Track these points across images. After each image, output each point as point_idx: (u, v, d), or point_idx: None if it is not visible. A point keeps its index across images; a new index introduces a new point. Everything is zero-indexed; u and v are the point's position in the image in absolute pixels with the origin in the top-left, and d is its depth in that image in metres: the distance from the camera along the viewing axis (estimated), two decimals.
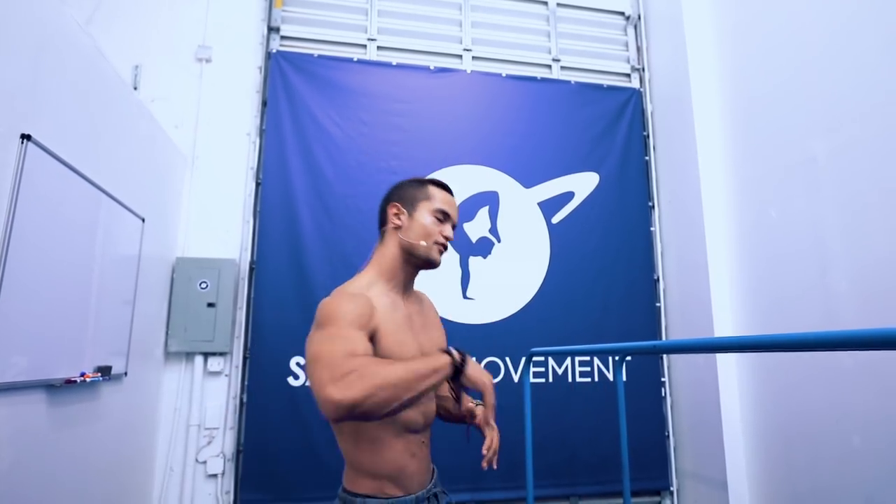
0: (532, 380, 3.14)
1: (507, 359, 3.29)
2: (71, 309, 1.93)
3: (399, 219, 1.27)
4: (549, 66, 3.85)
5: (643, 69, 3.95)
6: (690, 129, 3.41)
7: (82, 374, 1.92)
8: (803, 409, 2.68)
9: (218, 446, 2.93)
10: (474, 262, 3.38)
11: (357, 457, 1.14)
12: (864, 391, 2.38)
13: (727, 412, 3.03)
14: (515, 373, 3.28)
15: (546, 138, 3.64)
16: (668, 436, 3.46)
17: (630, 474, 2.29)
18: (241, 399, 2.99)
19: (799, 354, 2.70)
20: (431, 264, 1.28)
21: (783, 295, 2.82)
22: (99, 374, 2.02)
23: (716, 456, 3.04)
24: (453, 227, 1.31)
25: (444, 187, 1.33)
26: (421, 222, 1.25)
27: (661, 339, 3.52)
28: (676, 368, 3.50)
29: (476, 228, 3.43)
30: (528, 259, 3.46)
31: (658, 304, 3.61)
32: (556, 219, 3.54)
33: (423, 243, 1.25)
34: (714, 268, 3.19)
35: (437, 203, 1.28)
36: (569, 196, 3.58)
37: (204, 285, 3.01)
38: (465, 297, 3.31)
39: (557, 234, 3.52)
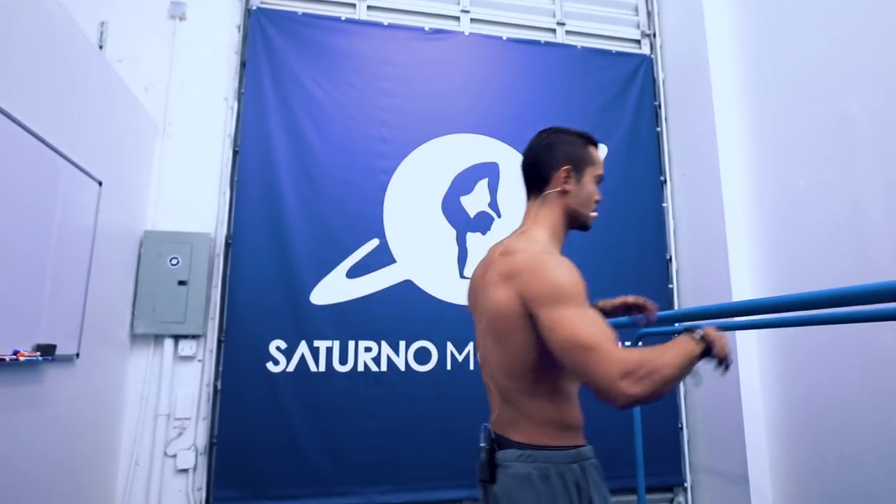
0: None
1: None
2: (7, 280, 1.65)
3: (568, 183, 1.19)
4: (554, 31, 3.56)
5: (654, 35, 3.67)
6: (707, 96, 3.14)
7: (15, 353, 1.64)
8: (837, 396, 2.42)
9: (189, 438, 2.66)
10: (472, 238, 3.10)
11: (559, 414, 1.11)
12: None
13: (748, 400, 2.77)
14: None
15: (550, 107, 3.36)
16: (682, 427, 3.21)
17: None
18: (216, 386, 2.72)
19: (828, 334, 2.44)
20: (586, 229, 1.26)
21: (813, 276, 2.55)
22: (38, 354, 1.75)
23: (735, 449, 2.78)
24: None
25: (597, 144, 1.28)
26: (588, 189, 1.21)
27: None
28: None
29: (475, 202, 3.15)
30: None
31: (671, 286, 3.35)
32: None
33: (592, 213, 1.23)
34: (734, 247, 2.92)
35: (599, 168, 1.25)
36: None
37: (175, 261, 2.73)
38: (462, 276, 3.04)
39: None
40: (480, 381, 2.95)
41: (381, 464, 2.76)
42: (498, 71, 3.35)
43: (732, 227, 2.95)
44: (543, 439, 1.09)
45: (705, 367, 1.06)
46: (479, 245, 3.10)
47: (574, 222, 1.22)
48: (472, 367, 2.95)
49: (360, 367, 2.83)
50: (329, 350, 2.81)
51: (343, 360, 2.82)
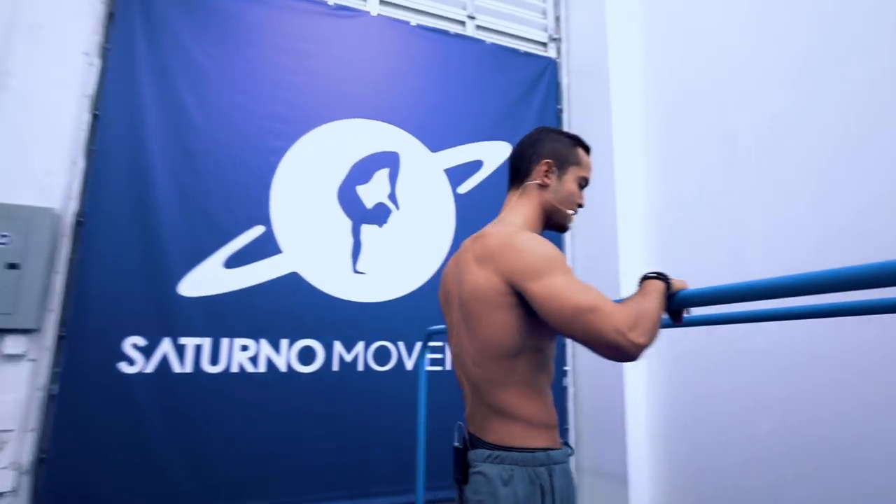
0: (428, 367, 2.73)
1: (401, 343, 2.85)
2: None
3: (548, 177, 1.22)
4: (464, 23, 3.47)
5: (560, 40, 3.70)
6: (606, 104, 3.19)
7: None
8: (711, 397, 2.52)
9: (9, 454, 2.20)
10: (368, 230, 2.90)
11: (530, 410, 1.09)
12: (776, 374, 2.24)
13: (632, 401, 2.84)
14: (409, 359, 2.86)
15: (456, 100, 3.26)
16: (568, 429, 3.22)
17: None
18: (51, 391, 2.28)
19: (710, 337, 2.54)
20: (563, 230, 1.27)
21: (697, 280, 2.64)
22: None
23: (617, 449, 2.83)
24: None
25: (588, 150, 1.29)
26: (568, 187, 1.23)
27: None
28: (581, 355, 3.27)
29: (372, 192, 2.96)
30: (430, 231, 3.05)
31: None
32: (462, 188, 3.17)
33: (569, 211, 1.23)
34: (625, 253, 2.99)
35: (584, 170, 1.26)
36: (477, 165, 3.23)
37: (4, 240, 2.26)
38: (355, 270, 2.83)
39: (464, 206, 3.14)
40: (370, 385, 2.75)
41: (254, 477, 2.46)
42: (404, 57, 3.19)
43: (624, 232, 3.02)
44: (513, 440, 1.07)
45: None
46: (375, 238, 2.90)
47: (550, 219, 1.23)
48: (361, 368, 2.75)
49: (235, 368, 2.52)
50: (198, 348, 2.47)
51: (214, 360, 2.49)
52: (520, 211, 1.21)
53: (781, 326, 2.24)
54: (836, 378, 2.03)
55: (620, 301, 0.98)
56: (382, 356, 2.80)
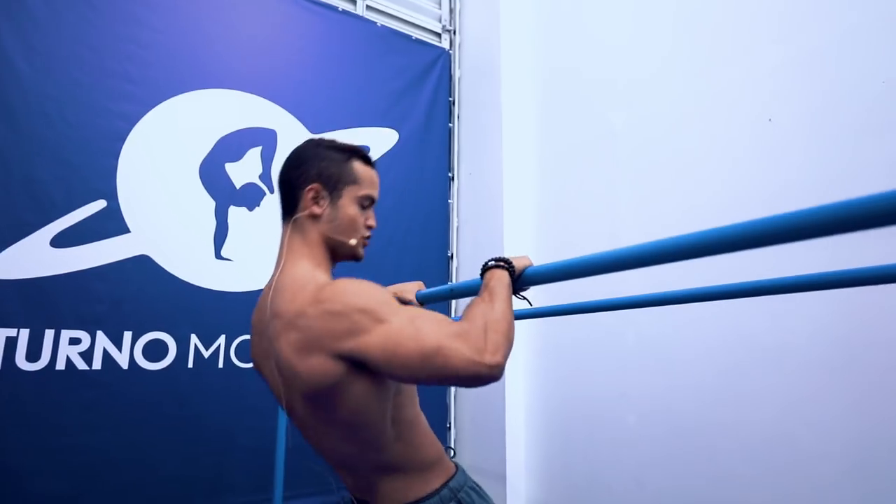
0: None
1: None
2: None
3: (319, 205, 1.00)
4: (354, 1, 3.30)
5: (454, 32, 3.65)
6: (497, 102, 3.19)
7: None
8: (584, 393, 2.57)
9: None
10: (236, 213, 2.63)
11: (410, 454, 0.99)
12: (643, 368, 2.32)
13: (511, 401, 2.82)
14: None
15: (341, 81, 3.08)
16: (450, 427, 3.16)
17: None
18: None
19: (585, 334, 2.58)
20: (356, 259, 1.06)
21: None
22: None
23: (496, 448, 2.80)
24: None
25: (370, 161, 1.07)
26: (346, 213, 1.01)
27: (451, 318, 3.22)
28: None
29: (242, 172, 2.68)
30: None
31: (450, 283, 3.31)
32: None
33: (351, 241, 1.02)
34: (510, 246, 2.98)
35: (365, 188, 1.03)
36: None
37: None
38: (218, 256, 2.54)
39: None
40: (231, 383, 2.49)
41: (81, 491, 2.10)
42: (286, 29, 2.95)
43: (510, 227, 3.01)
44: (412, 492, 0.98)
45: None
46: (243, 222, 2.64)
47: (336, 253, 1.03)
48: (221, 365, 2.47)
49: (61, 365, 2.14)
50: (11, 341, 2.06)
51: (34, 356, 2.10)
52: (300, 252, 0.99)
53: (651, 322, 2.33)
54: (695, 371, 2.12)
55: (465, 312, 0.87)
56: (247, 352, 2.54)
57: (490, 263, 0.98)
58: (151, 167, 2.44)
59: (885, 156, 1.65)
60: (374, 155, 3.10)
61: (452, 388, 3.23)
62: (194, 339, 2.43)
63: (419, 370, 0.80)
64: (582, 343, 2.61)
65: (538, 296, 2.83)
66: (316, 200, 0.99)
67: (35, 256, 2.15)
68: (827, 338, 1.75)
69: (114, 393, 2.23)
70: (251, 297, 2.58)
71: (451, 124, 3.52)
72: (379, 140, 3.14)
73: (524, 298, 1.04)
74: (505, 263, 0.97)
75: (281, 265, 0.98)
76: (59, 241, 2.20)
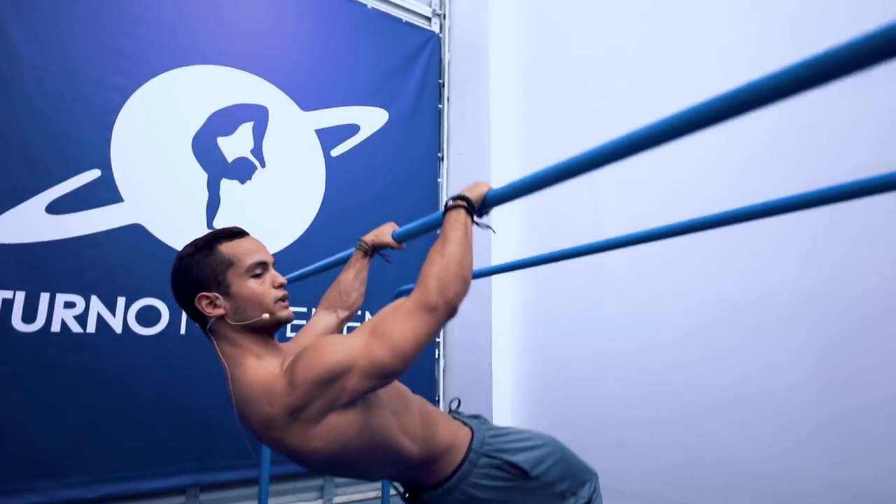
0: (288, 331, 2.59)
1: None
2: None
3: (216, 307, 0.98)
4: None
5: (444, 16, 3.72)
6: (485, 85, 3.25)
7: None
8: (568, 360, 2.64)
9: None
10: (228, 186, 2.69)
11: (434, 445, 1.11)
12: (623, 334, 2.39)
13: (499, 368, 2.89)
14: None
15: (332, 60, 3.14)
16: (439, 399, 3.23)
17: None
18: None
19: (569, 304, 2.65)
20: (286, 321, 1.05)
21: (560, 242, 2.76)
22: None
23: (483, 416, 2.87)
24: (273, 265, 1.07)
25: (235, 235, 1.04)
26: (245, 292, 0.99)
27: None
28: (451, 328, 3.29)
29: (234, 146, 2.75)
30: (298, 193, 2.90)
31: None
32: (336, 151, 3.06)
33: (264, 316, 1.00)
34: (497, 228, 3.04)
35: (244, 260, 1.01)
36: (353, 129, 3.14)
37: None
38: (210, 226, 2.61)
39: (336, 169, 3.03)
40: None
41: (74, 450, 2.16)
42: (279, 7, 3.02)
43: (498, 206, 3.07)
44: (448, 468, 1.12)
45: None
46: (235, 195, 2.70)
47: (261, 331, 1.01)
48: None
49: (56, 327, 2.20)
50: (8, 303, 2.12)
51: (29, 317, 2.16)
52: (235, 357, 0.98)
53: (630, 289, 2.40)
54: (671, 334, 2.19)
55: (422, 269, 0.95)
56: None
57: (449, 203, 1.02)
58: (145, 139, 2.51)
59: (866, 131, 1.73)
60: (364, 133, 3.18)
61: (441, 364, 3.29)
62: None
63: (409, 359, 0.89)
64: (565, 315, 2.68)
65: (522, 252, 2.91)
66: (213, 304, 0.98)
67: (31, 222, 2.21)
68: (796, 294, 1.82)
69: (106, 357, 2.29)
70: None
71: (440, 106, 3.58)
72: (369, 119, 3.21)
73: (488, 227, 1.10)
74: (462, 200, 1.01)
75: (228, 377, 0.98)
76: (55, 208, 2.26)
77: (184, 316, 2.48)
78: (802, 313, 1.80)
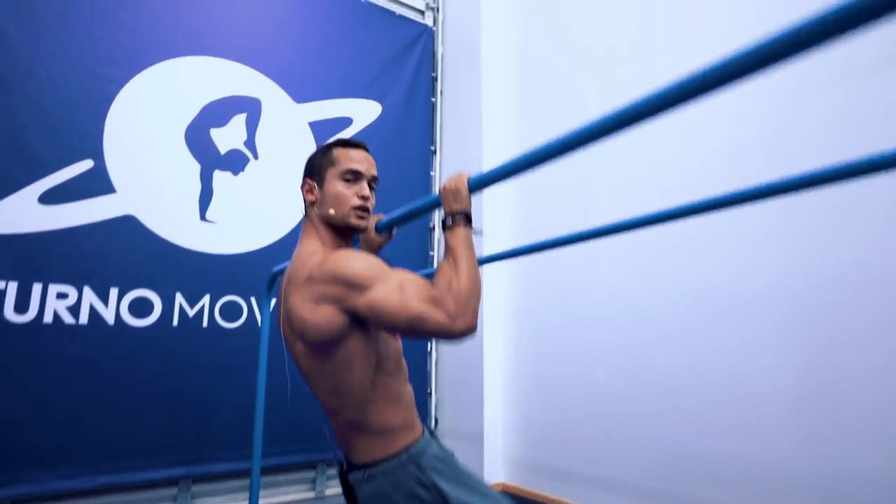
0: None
1: (253, 299, 2.69)
2: None
3: (312, 194, 1.19)
4: None
5: (437, 10, 3.73)
6: (478, 79, 3.27)
7: None
8: (558, 351, 2.67)
9: None
10: (221, 177, 2.69)
11: (380, 417, 1.10)
12: (611, 327, 2.42)
13: (490, 363, 2.92)
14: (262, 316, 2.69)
15: (326, 53, 3.14)
16: (431, 393, 3.25)
17: None
18: None
19: (560, 296, 2.68)
20: (356, 229, 1.18)
21: (549, 230, 2.78)
22: None
23: (474, 409, 2.90)
24: (374, 182, 1.20)
25: (352, 144, 1.22)
26: (331, 189, 1.16)
27: None
28: None
29: (227, 137, 2.75)
30: (291, 184, 2.90)
31: (431, 254, 3.40)
32: None
33: (332, 212, 1.16)
34: (490, 222, 3.06)
35: (342, 164, 1.17)
36: (346, 122, 3.14)
37: None
38: (203, 218, 2.61)
39: None
40: (215, 342, 2.56)
41: (67, 441, 2.17)
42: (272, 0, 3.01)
43: (490, 199, 3.10)
44: (375, 453, 1.09)
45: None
46: (228, 186, 2.70)
47: (338, 229, 1.18)
48: (205, 325, 2.54)
49: (48, 318, 2.20)
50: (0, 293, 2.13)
51: (21, 308, 2.16)
52: (307, 234, 1.18)
53: (621, 283, 2.43)
54: (657, 327, 2.23)
55: (436, 278, 1.00)
56: (231, 312, 2.62)
57: (448, 222, 1.09)
58: (138, 130, 2.50)
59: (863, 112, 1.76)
60: (358, 126, 3.19)
61: (434, 357, 3.32)
62: (179, 298, 2.49)
63: (402, 329, 0.98)
64: (555, 308, 2.71)
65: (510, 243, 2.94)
66: (310, 191, 1.19)
67: (23, 212, 2.20)
68: (785, 288, 1.85)
69: (98, 348, 2.29)
70: (235, 259, 2.66)
71: (433, 99, 3.60)
72: (363, 111, 3.21)
73: (479, 233, 1.15)
74: (461, 216, 1.08)
75: (297, 247, 1.17)
76: (47, 198, 2.26)
77: (177, 307, 2.49)
78: (790, 307, 1.83)
